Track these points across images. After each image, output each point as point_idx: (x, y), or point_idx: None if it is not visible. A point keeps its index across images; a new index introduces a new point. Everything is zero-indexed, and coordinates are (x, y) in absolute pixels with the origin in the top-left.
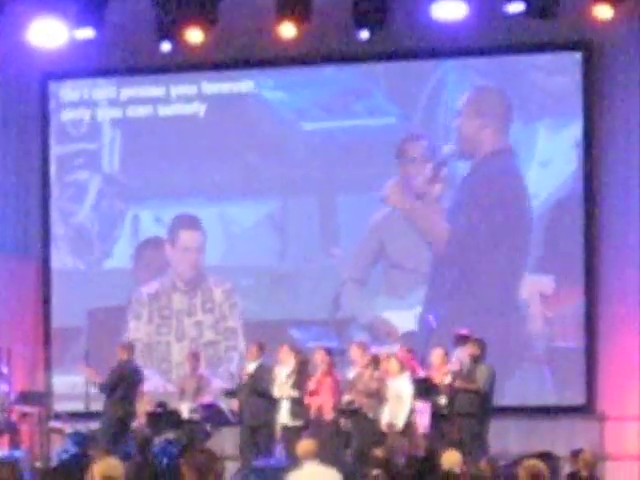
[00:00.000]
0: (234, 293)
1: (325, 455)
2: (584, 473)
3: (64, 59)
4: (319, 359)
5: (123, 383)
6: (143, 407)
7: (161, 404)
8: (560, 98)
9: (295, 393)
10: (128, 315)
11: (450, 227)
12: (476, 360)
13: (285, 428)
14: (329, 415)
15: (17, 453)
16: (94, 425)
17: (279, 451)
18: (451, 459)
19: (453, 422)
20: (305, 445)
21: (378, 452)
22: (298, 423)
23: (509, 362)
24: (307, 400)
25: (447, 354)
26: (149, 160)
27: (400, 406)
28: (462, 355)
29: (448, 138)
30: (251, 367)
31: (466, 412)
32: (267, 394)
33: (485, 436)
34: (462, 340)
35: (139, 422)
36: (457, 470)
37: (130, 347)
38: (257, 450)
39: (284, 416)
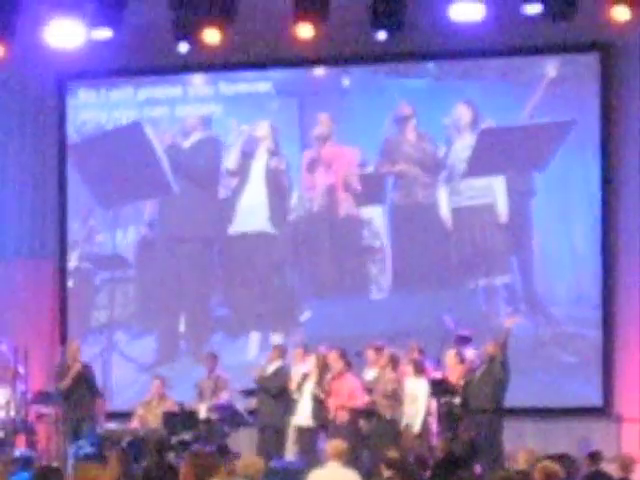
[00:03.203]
0: None
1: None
2: (620, 474)
3: (82, 60)
4: (332, 360)
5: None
6: (161, 408)
7: (179, 405)
8: (577, 99)
9: (321, 394)
10: None
11: None
12: (492, 360)
13: (301, 429)
14: (344, 416)
15: (31, 453)
16: (110, 425)
17: (293, 452)
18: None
19: (467, 421)
20: (335, 445)
21: (391, 453)
22: (315, 424)
23: (526, 363)
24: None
25: (460, 355)
26: None
27: (416, 408)
28: (470, 356)
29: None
30: (270, 368)
31: (480, 409)
32: (283, 395)
33: (499, 436)
34: (464, 341)
35: (154, 422)
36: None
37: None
38: (267, 450)
39: (303, 417)
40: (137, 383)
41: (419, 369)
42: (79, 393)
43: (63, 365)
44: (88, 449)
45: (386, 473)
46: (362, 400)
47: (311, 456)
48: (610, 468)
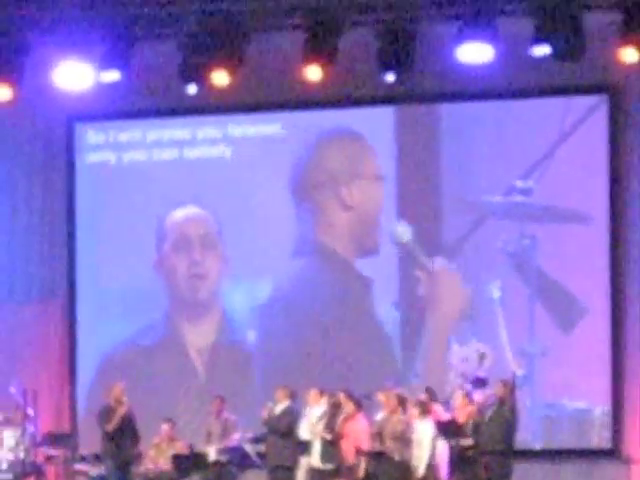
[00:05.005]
0: None
1: None
2: None
3: (90, 102)
4: (342, 401)
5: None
6: (171, 450)
7: (188, 447)
8: (586, 140)
9: (327, 435)
10: None
11: None
12: (502, 402)
13: (315, 470)
14: (353, 458)
15: None
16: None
17: None
18: None
19: (479, 462)
20: None
21: None
22: (329, 466)
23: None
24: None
25: (468, 395)
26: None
27: (420, 452)
28: (480, 398)
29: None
30: (278, 409)
31: (492, 450)
32: (290, 435)
33: (510, 477)
34: (480, 383)
35: (165, 465)
36: None
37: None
38: None
39: (315, 458)
40: None
41: (424, 410)
42: (123, 435)
43: (107, 407)
44: None
45: None
46: (367, 443)
47: None
48: None
